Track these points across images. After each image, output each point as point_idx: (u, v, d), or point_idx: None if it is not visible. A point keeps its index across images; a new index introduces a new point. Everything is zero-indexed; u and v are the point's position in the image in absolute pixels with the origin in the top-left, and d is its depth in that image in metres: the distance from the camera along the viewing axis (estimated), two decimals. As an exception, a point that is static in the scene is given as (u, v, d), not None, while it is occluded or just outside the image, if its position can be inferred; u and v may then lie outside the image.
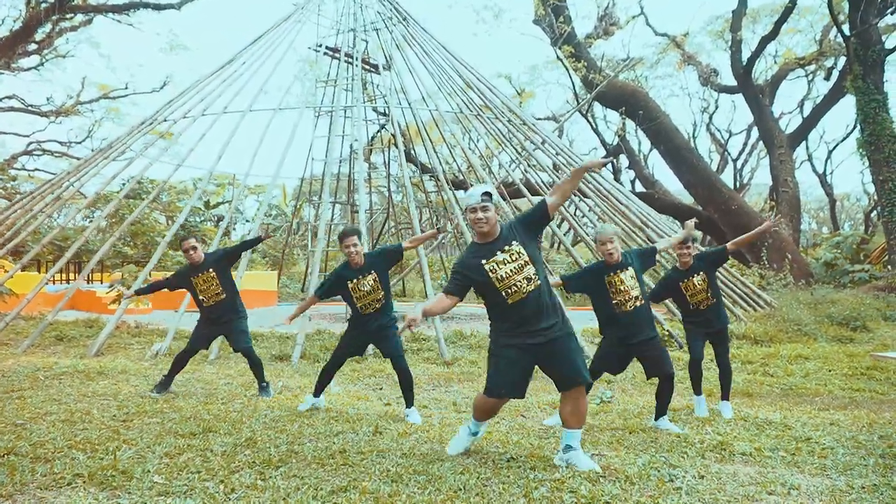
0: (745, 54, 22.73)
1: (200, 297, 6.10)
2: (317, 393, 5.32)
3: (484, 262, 3.62)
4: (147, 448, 3.87)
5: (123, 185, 21.84)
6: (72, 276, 22.67)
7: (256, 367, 6.17)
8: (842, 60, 23.69)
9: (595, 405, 5.66)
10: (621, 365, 4.90)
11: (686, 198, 30.50)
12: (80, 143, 31.49)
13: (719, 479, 3.45)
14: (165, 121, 13.49)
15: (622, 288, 4.61)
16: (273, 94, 19.68)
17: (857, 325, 11.56)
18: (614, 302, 4.63)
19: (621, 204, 12.99)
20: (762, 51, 22.90)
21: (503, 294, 3.60)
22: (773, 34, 22.28)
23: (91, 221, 22.75)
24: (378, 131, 21.18)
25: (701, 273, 5.32)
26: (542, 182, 14.24)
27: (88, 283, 20.71)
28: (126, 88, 30.60)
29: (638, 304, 4.63)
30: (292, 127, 12.07)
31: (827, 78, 26.95)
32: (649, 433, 4.58)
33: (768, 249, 18.28)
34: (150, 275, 11.37)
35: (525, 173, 15.08)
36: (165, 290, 6.30)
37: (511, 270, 3.60)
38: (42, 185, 14.71)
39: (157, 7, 21.83)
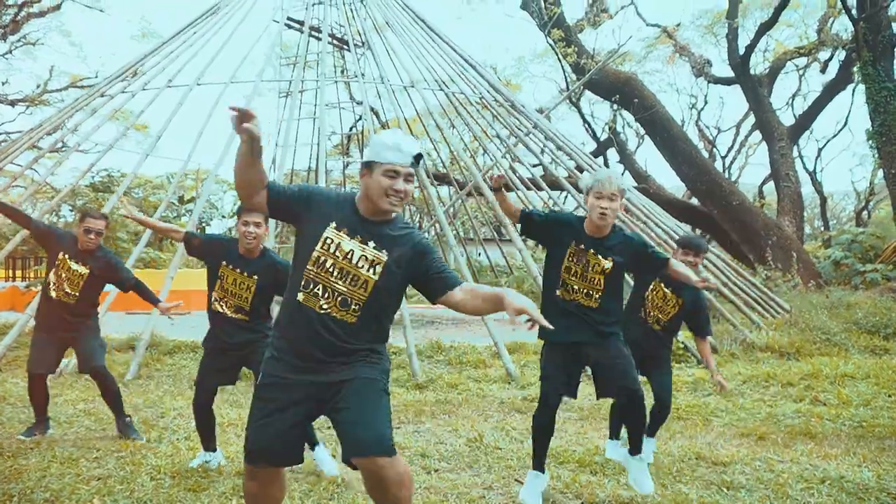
0: (741, 46, 21.52)
1: (51, 280, 4.46)
2: (208, 446, 3.95)
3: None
4: None
5: (92, 177, 19.78)
6: (19, 273, 20.79)
7: (110, 394, 4.52)
8: (841, 53, 22.72)
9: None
10: None
11: (679, 193, 29.29)
12: (50, 134, 29.49)
13: None
14: (103, 96, 11.79)
15: None
16: (242, 70, 17.96)
17: (888, 332, 10.28)
18: None
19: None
20: (759, 39, 21.75)
21: None
22: (772, 21, 21.09)
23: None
24: (355, 123, 19.65)
25: None
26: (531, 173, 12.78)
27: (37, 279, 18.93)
28: (96, 77, 28.84)
29: None
30: (245, 102, 10.37)
31: (823, 71, 26.04)
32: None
33: (772, 248, 16.93)
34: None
35: (513, 163, 13.61)
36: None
37: None
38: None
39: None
